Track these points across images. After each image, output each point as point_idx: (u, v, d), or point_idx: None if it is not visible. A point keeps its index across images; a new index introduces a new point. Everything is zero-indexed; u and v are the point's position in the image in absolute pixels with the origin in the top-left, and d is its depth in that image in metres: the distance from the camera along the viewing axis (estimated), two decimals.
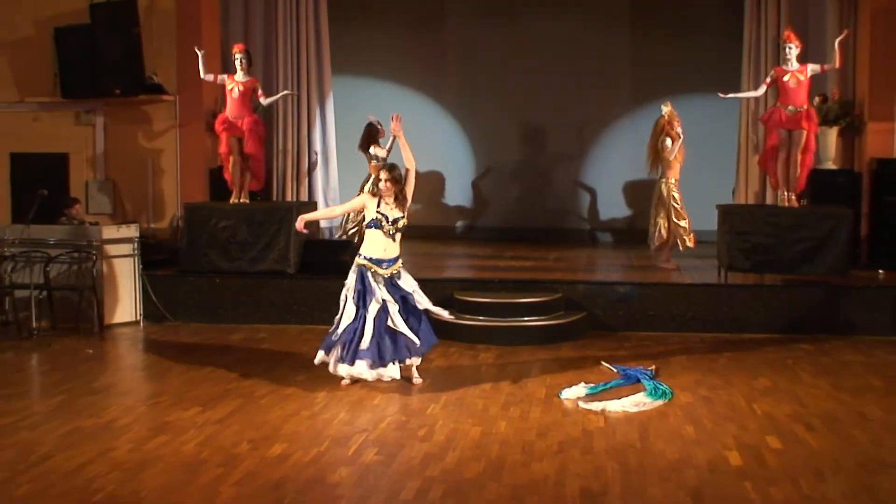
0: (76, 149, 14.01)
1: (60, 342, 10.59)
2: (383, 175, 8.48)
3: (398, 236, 8.55)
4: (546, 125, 16.44)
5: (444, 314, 8.90)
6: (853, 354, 9.97)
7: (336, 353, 8.46)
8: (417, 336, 8.52)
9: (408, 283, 8.59)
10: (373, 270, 8.44)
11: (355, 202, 9.28)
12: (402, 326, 8.42)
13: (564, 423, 7.45)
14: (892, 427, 7.42)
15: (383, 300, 8.40)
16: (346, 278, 8.58)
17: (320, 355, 8.56)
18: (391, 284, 8.49)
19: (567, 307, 11.04)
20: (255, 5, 14.52)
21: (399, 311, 8.45)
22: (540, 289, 11.28)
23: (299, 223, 8.89)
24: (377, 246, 8.48)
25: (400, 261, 8.62)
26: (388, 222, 8.45)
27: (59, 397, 8.24)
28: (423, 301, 8.63)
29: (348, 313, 8.45)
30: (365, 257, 8.48)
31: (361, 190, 11.92)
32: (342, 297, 8.57)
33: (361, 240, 8.93)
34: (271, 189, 14.36)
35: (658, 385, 8.43)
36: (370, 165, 12.22)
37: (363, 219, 9.38)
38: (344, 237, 12.66)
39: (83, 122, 13.99)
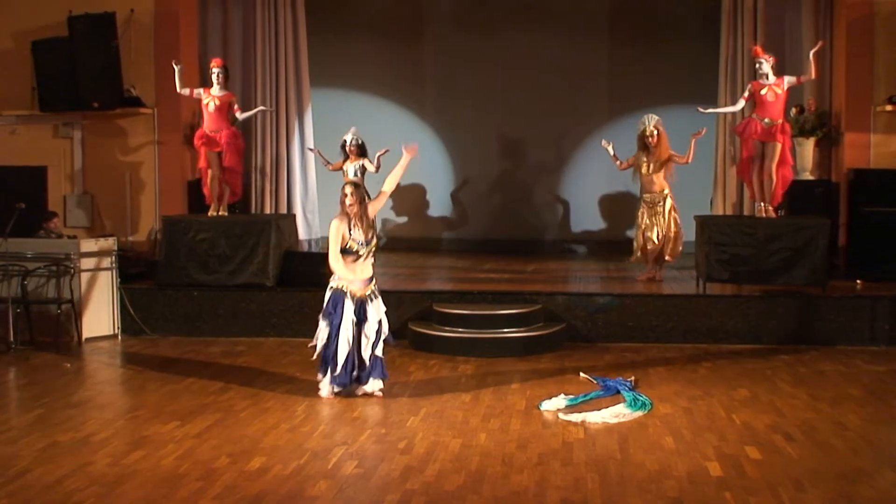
0: (54, 162, 13.93)
1: (38, 356, 10.52)
2: (349, 190, 8.42)
3: (370, 257, 8.54)
4: (524, 137, 16.45)
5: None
6: (831, 364, 10.01)
7: (319, 373, 8.60)
8: (378, 364, 8.57)
9: (379, 309, 8.56)
10: (348, 293, 8.44)
11: (335, 238, 8.38)
12: (367, 352, 8.45)
13: (544, 434, 7.46)
14: (871, 436, 7.46)
15: (356, 323, 8.42)
16: (324, 291, 8.57)
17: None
18: (364, 308, 8.46)
19: (546, 318, 11.04)
20: (234, 18, 14.51)
21: (367, 334, 8.46)
22: (519, 300, 11.28)
23: None
24: (351, 268, 8.45)
25: (374, 281, 8.61)
26: (362, 246, 8.41)
27: (37, 411, 8.18)
28: (384, 330, 8.61)
29: (322, 336, 8.47)
30: (340, 279, 8.48)
31: None
32: (320, 317, 8.57)
33: None
34: (250, 202, 14.34)
35: (638, 396, 8.44)
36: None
37: None
38: None
39: (61, 135, 13.90)
